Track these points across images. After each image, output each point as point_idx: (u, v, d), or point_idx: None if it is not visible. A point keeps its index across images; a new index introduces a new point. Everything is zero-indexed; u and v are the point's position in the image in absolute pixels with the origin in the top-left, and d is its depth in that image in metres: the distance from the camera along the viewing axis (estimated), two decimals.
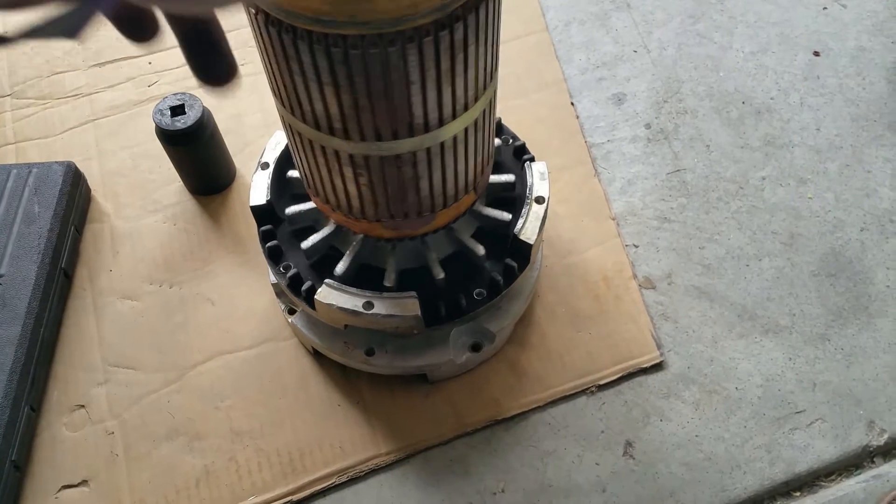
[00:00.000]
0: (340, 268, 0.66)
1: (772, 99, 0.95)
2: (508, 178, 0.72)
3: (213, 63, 0.35)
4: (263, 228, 0.70)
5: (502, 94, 0.63)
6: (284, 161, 0.73)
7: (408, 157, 0.53)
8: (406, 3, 0.42)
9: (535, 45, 1.00)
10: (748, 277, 0.81)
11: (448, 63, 0.47)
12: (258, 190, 0.71)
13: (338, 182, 0.57)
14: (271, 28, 0.45)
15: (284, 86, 0.50)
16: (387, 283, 0.66)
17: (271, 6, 0.44)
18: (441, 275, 0.66)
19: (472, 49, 0.48)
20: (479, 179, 0.63)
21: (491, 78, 0.54)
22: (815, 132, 0.92)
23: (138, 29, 0.33)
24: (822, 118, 0.93)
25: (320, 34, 0.44)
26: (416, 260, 0.69)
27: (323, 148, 0.54)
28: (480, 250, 0.68)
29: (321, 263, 0.68)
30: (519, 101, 0.94)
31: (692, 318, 0.79)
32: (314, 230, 0.69)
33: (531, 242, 0.67)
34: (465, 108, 0.52)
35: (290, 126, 0.55)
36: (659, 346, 0.77)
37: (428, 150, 0.53)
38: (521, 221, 0.68)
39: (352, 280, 0.66)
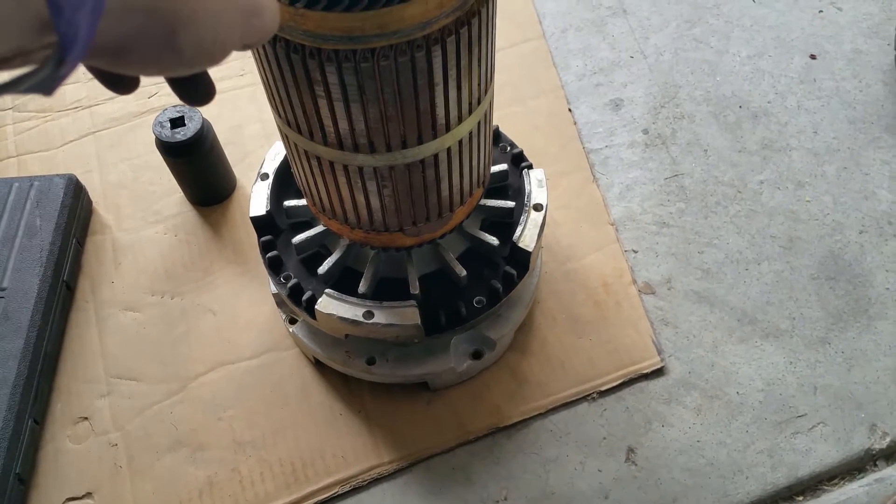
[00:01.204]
0: (363, 286, 0.67)
1: (769, 102, 0.95)
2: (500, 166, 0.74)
3: (193, 88, 0.40)
4: (264, 239, 0.71)
5: (499, 102, 0.63)
6: (284, 172, 0.73)
7: (430, 160, 0.54)
8: (433, 6, 0.43)
9: (532, 52, 1.00)
10: (748, 281, 0.81)
11: (467, 59, 0.49)
12: (258, 200, 0.71)
13: (360, 199, 0.57)
14: (294, 55, 0.45)
15: (305, 112, 0.50)
16: (413, 291, 0.66)
17: (300, 34, 0.44)
18: (463, 272, 0.67)
19: (484, 42, 0.50)
20: (486, 172, 0.64)
21: (494, 69, 0.56)
22: (813, 135, 0.92)
23: (120, 86, 0.37)
24: (819, 121, 0.93)
25: (348, 51, 0.44)
26: (430, 265, 0.70)
27: (345, 167, 0.54)
28: (494, 241, 0.68)
29: (337, 284, 0.68)
30: (516, 109, 0.94)
31: (692, 322, 0.79)
32: (322, 255, 0.69)
33: (530, 250, 0.67)
34: (479, 102, 0.54)
35: (305, 152, 0.55)
36: (660, 352, 0.77)
37: (448, 150, 0.55)
38: (519, 229, 0.68)
39: (373, 295, 0.67)
